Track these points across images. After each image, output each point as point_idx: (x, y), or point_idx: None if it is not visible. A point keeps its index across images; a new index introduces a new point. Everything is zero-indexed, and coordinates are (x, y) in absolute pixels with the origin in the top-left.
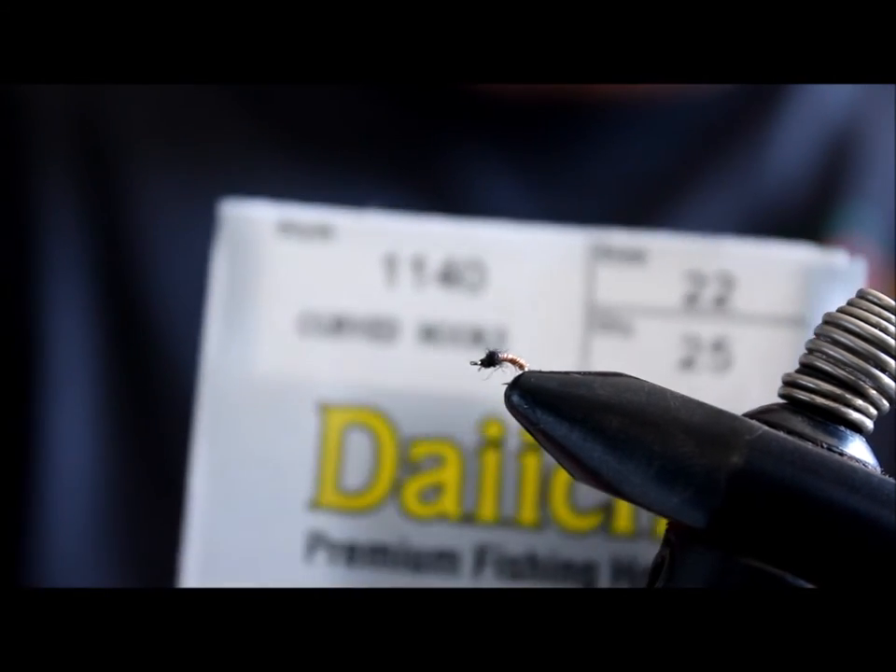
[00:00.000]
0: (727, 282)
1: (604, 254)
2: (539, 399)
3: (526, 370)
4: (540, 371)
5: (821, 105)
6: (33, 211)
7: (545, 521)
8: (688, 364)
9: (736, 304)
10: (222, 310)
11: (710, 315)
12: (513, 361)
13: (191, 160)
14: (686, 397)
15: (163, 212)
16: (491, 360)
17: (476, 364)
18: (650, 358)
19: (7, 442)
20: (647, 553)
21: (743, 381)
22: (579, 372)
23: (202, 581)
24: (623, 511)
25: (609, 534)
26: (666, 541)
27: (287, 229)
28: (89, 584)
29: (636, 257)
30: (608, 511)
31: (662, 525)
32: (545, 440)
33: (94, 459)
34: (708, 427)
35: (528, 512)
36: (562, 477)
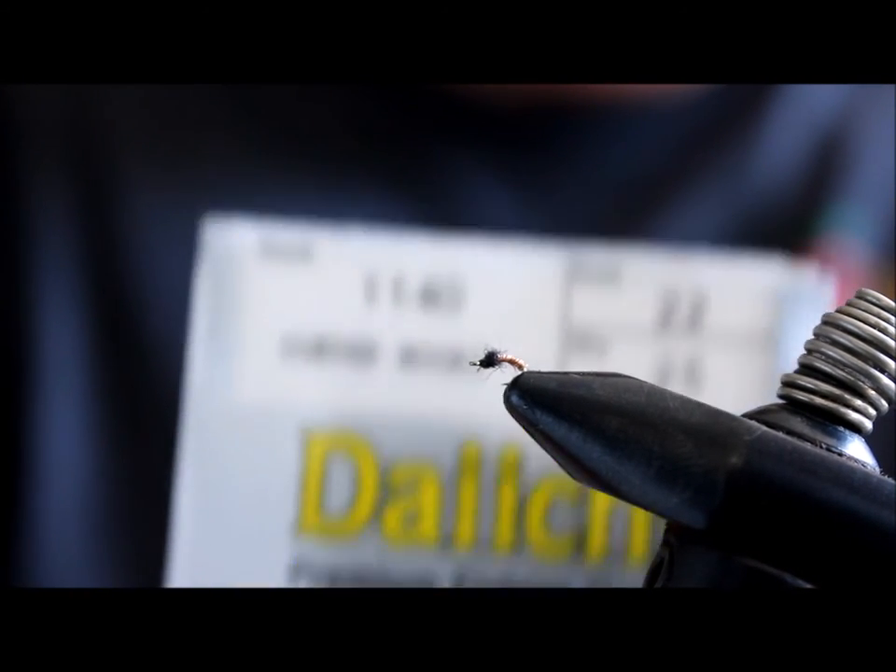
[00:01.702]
0: (700, 300)
1: (580, 274)
2: (538, 399)
3: (525, 370)
4: (540, 372)
5: (809, 108)
6: (21, 217)
7: (521, 545)
8: (661, 383)
9: (708, 323)
10: (205, 335)
11: (683, 334)
12: (513, 362)
13: (177, 164)
14: (685, 397)
15: (149, 218)
16: (490, 361)
17: (475, 364)
18: None
19: None
20: (621, 574)
21: (714, 400)
22: (578, 373)
23: None
24: (598, 534)
25: (584, 557)
26: (666, 542)
27: (268, 251)
28: (77, 586)
29: (611, 276)
30: (582, 534)
31: (636, 546)
32: (544, 440)
33: (85, 465)
34: (707, 427)
35: (504, 536)
36: (538, 501)
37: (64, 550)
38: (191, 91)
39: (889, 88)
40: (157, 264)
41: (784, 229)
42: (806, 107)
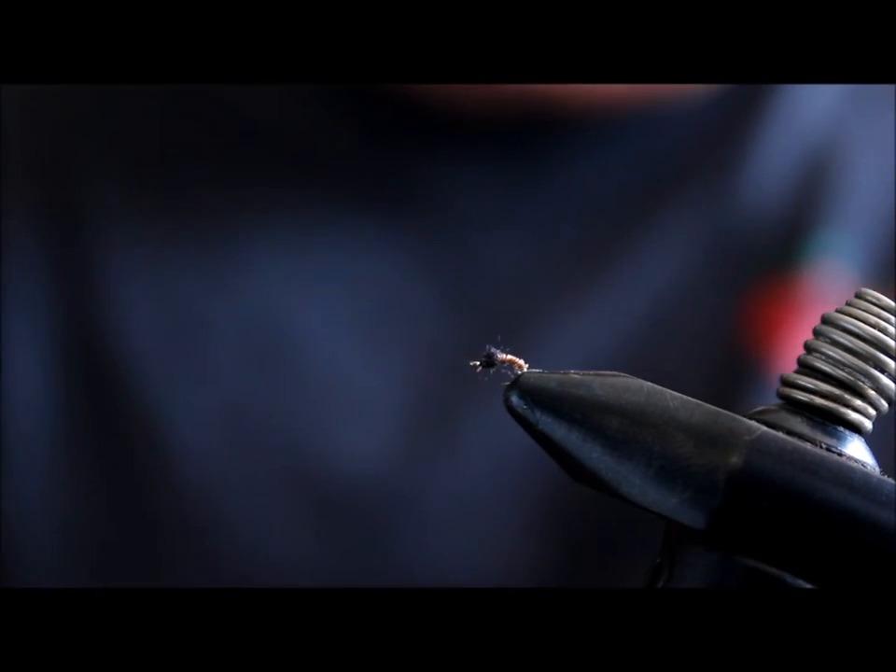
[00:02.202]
0: None
1: None
2: (537, 399)
3: (525, 370)
4: (540, 372)
5: (797, 125)
6: None
7: None
8: None
9: None
10: None
11: None
12: (512, 362)
13: (152, 189)
14: (685, 397)
15: (120, 237)
16: (490, 361)
17: (475, 365)
18: None
19: None
20: None
21: None
22: (578, 372)
23: None
24: None
25: None
26: (666, 542)
27: None
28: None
29: None
30: None
31: None
32: (544, 440)
33: (54, 467)
34: (707, 427)
35: None
36: None
37: (33, 551)
38: (168, 105)
39: (879, 109)
40: (128, 287)
41: (768, 249)
42: (794, 125)
